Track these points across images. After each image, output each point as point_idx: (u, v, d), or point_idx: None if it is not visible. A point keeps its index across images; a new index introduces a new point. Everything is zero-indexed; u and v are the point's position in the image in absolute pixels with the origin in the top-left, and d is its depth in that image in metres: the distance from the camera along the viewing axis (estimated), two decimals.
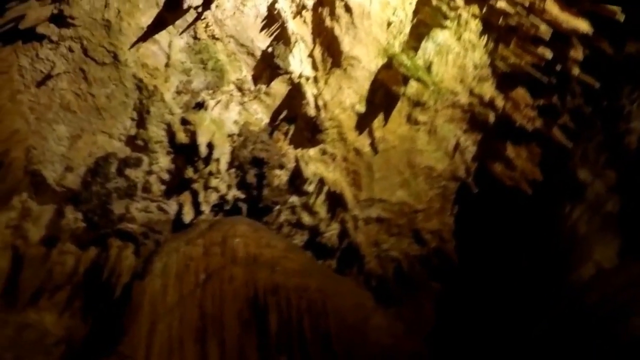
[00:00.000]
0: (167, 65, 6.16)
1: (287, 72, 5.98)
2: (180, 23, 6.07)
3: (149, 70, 6.07)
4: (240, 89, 6.10)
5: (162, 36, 6.13)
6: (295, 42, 5.97)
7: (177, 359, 5.68)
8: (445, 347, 6.57)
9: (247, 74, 6.13)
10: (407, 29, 5.50)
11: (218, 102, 6.09)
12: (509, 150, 6.52)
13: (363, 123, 6.26)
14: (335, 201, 6.58)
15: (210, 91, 6.06)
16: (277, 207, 6.50)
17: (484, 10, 5.22)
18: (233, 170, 6.34)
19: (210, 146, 6.09)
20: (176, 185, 6.39)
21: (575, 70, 5.24)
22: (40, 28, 5.72)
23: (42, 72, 6.13)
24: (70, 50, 5.99)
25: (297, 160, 6.37)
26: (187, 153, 6.33)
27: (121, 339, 5.99)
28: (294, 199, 6.58)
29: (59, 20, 5.77)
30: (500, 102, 6.39)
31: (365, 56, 6.12)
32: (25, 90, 6.19)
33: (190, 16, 6.01)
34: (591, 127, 5.95)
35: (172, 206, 6.48)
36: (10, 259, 6.40)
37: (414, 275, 7.01)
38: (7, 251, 6.42)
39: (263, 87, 6.10)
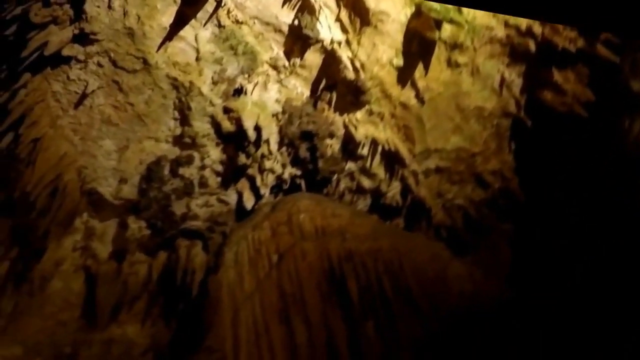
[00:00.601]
0: (197, 59, 6.27)
1: (317, 41, 6.07)
2: (202, 15, 6.14)
3: (181, 67, 6.20)
4: (274, 67, 6.22)
5: (187, 31, 6.22)
6: (320, 9, 6.05)
7: (265, 343, 5.73)
8: (526, 286, 6.61)
9: (278, 51, 6.25)
10: None
11: (255, 84, 6.21)
12: (556, 76, 6.51)
13: (404, 76, 6.32)
14: (392, 159, 6.65)
15: (246, 75, 6.18)
16: (335, 176, 6.58)
17: None
18: (284, 148, 6.45)
19: (257, 129, 6.21)
20: (231, 174, 6.51)
21: None
22: (66, 50, 5.90)
23: (76, 93, 6.23)
24: (100, 65, 6.12)
25: (345, 126, 6.47)
26: (235, 140, 6.43)
27: (206, 334, 6.12)
28: (350, 166, 6.66)
29: (82, 38, 5.89)
30: (538, 28, 6.39)
31: (392, 9, 6.17)
32: (63, 114, 6.35)
33: (210, 6, 6.07)
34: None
35: (231, 196, 6.60)
36: (84, 280, 6.60)
37: (483, 219, 7.06)
38: (79, 273, 6.63)
39: (297, 60, 6.19)
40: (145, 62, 6.16)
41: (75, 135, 6.50)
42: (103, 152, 6.57)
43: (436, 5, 5.78)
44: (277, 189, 6.64)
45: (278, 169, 6.39)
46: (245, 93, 6.10)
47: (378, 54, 5.98)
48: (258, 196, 6.64)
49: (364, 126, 6.27)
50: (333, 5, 6.05)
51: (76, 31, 5.85)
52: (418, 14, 5.90)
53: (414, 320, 5.82)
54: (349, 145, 6.55)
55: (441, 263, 6.07)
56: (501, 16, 6.10)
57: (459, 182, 6.78)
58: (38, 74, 6.12)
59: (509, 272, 6.81)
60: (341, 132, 6.38)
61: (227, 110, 6.21)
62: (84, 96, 6.24)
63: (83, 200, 6.58)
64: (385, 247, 6.04)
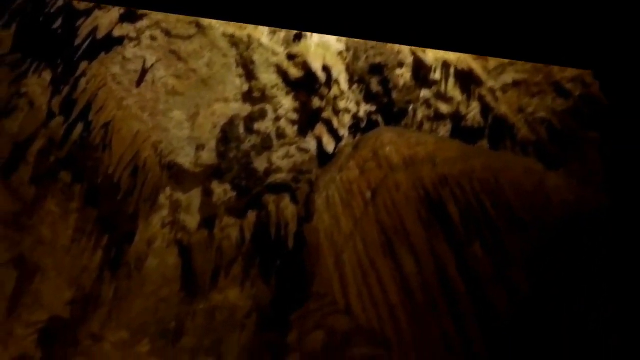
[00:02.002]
0: None
1: None
2: None
3: (236, 22, 6.35)
4: None
5: None
6: None
7: (373, 279, 5.99)
8: (620, 193, 6.81)
9: None
10: None
11: None
12: None
13: None
14: (466, 79, 6.78)
15: None
16: (411, 106, 6.78)
17: None
18: (355, 85, 6.64)
19: (325, 69, 6.40)
20: (307, 121, 6.74)
21: None
22: (116, 31, 6.13)
23: (136, 71, 6.42)
24: (153, 38, 6.29)
25: (413, 53, 6.71)
26: (305, 85, 6.57)
27: (311, 282, 6.46)
28: (424, 93, 6.84)
29: (130, 16, 6.03)
30: None
31: None
32: (127, 94, 6.58)
33: None
34: None
35: (310, 143, 6.86)
36: (178, 254, 6.97)
37: (567, 130, 7.26)
38: (172, 248, 7.00)
39: None
40: (198, 25, 6.27)
41: (143, 113, 6.70)
42: (174, 124, 6.75)
43: None
44: (354, 128, 6.75)
45: (353, 107, 6.61)
46: (306, 36, 6.31)
47: None
48: (337, 138, 6.77)
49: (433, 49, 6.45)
50: None
51: (122, 10, 5.97)
52: None
53: (519, 235, 5.95)
54: (421, 72, 6.70)
55: (537, 176, 6.16)
56: None
57: (538, 93, 6.89)
58: (94, 60, 6.39)
59: (602, 179, 7.00)
60: (410, 59, 6.56)
61: (291, 57, 6.43)
62: (144, 72, 6.43)
63: (164, 175, 6.79)
64: (478, 167, 6.07)
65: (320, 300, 6.20)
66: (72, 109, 6.61)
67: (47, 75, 6.35)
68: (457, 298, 5.59)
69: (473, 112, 7.17)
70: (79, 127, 6.68)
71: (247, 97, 6.69)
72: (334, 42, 6.27)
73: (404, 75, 6.42)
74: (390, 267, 6.06)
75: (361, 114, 6.77)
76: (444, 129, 7.15)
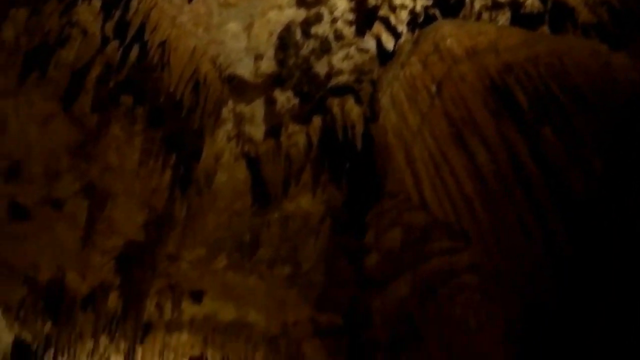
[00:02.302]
0: None
1: None
2: None
3: None
4: None
5: None
6: None
7: (446, 172, 6.00)
8: None
9: None
10: None
11: None
12: None
13: None
14: None
15: None
16: None
17: None
18: None
19: None
20: (364, 20, 6.68)
21: None
22: None
23: None
24: None
25: None
26: None
27: (383, 181, 6.55)
28: None
29: None
30: None
31: None
32: (179, 11, 6.69)
33: None
34: None
35: (369, 42, 6.82)
36: (247, 166, 7.15)
37: (628, 10, 7.18)
38: (240, 161, 7.12)
39: None
40: None
41: (197, 28, 6.80)
42: (230, 36, 6.81)
43: None
44: (412, 24, 6.66)
45: (409, 3, 6.58)
46: None
47: None
48: (396, 35, 6.71)
49: None
50: None
51: None
52: None
53: (588, 117, 5.91)
54: None
55: (602, 57, 6.00)
56: None
57: None
58: None
59: None
60: None
61: None
62: None
63: (225, 88, 6.85)
64: (542, 52, 5.95)
65: (395, 198, 6.34)
66: (126, 32, 6.71)
67: (97, 2, 6.45)
68: (532, 184, 5.51)
69: None
70: (135, 49, 6.77)
71: (301, 1, 6.60)
72: None
73: None
74: (462, 159, 6.03)
75: (418, 8, 6.74)
76: (503, 18, 7.05)
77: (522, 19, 6.75)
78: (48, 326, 7.72)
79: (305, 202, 7.02)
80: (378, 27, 6.77)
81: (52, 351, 7.67)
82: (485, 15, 6.69)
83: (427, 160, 6.16)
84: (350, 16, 6.57)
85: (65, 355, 7.60)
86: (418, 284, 5.97)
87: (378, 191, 6.44)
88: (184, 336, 7.83)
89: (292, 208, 6.96)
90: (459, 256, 5.81)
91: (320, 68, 6.78)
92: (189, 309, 7.67)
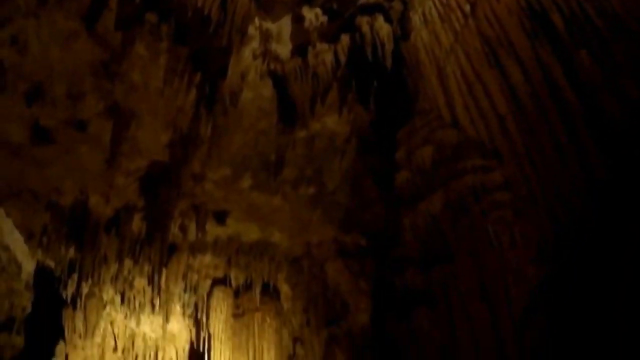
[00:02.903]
0: None
1: None
2: None
3: None
4: None
5: None
6: None
7: (480, 91, 5.92)
8: None
9: None
10: None
11: None
12: None
13: None
14: None
15: None
16: None
17: None
18: None
19: None
20: None
21: None
22: None
23: None
24: None
25: None
26: None
27: (414, 99, 6.52)
28: None
29: None
30: None
31: None
32: None
33: None
34: None
35: None
36: (273, 85, 7.10)
37: None
38: (266, 79, 7.05)
39: None
40: None
41: None
42: None
43: None
44: None
45: None
46: None
47: None
48: None
49: None
50: None
51: None
52: None
53: (625, 43, 5.67)
54: None
55: None
56: None
57: None
58: None
59: None
60: None
61: None
62: None
63: (252, 4, 6.73)
64: None
65: (426, 116, 6.43)
66: None
67: None
68: (567, 106, 5.45)
69: None
70: None
71: None
72: None
73: None
74: (497, 78, 5.97)
75: None
76: None
77: None
78: (72, 251, 7.92)
79: (331, 122, 7.11)
80: None
81: (75, 276, 7.75)
82: None
83: (460, 79, 6.14)
84: None
85: (89, 280, 7.80)
86: (450, 201, 6.09)
87: (408, 110, 6.46)
88: (208, 258, 8.07)
89: (318, 128, 7.05)
90: (492, 174, 5.88)
91: None
92: (213, 230, 7.87)
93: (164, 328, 7.79)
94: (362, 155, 7.09)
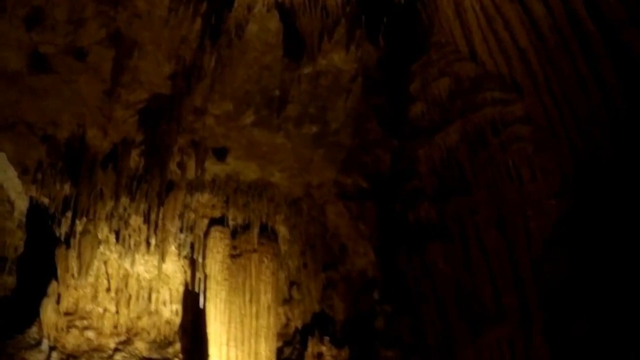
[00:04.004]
0: None
1: None
2: None
3: None
4: None
5: None
6: None
7: (499, 24, 5.56)
8: None
9: None
10: None
11: None
12: None
13: None
14: None
15: None
16: None
17: None
18: None
19: None
20: None
21: None
22: None
23: None
24: None
25: None
26: None
27: (429, 33, 6.29)
28: None
29: None
30: None
31: None
32: None
33: None
34: None
35: None
36: (280, 18, 6.67)
37: None
38: (273, 12, 6.55)
39: None
40: None
41: None
42: None
43: None
44: None
45: None
46: None
47: None
48: None
49: None
50: None
51: None
52: None
53: None
54: None
55: None
56: None
57: None
58: None
59: None
60: None
61: None
62: None
63: None
64: None
65: (442, 49, 6.04)
66: None
67: None
68: (590, 39, 5.21)
69: None
70: None
71: None
72: None
73: None
74: (517, 12, 5.68)
75: None
76: None
77: None
78: (67, 187, 7.46)
79: (338, 59, 6.72)
80: None
81: (70, 213, 7.25)
82: None
83: (479, 12, 5.82)
84: None
85: (84, 218, 7.29)
86: (468, 133, 5.77)
87: (421, 44, 6.12)
88: (205, 197, 7.61)
89: (323, 64, 6.59)
90: (511, 107, 5.58)
91: None
92: (212, 168, 7.43)
93: (159, 268, 7.17)
94: (368, 95, 6.67)
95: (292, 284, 8.03)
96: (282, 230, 7.82)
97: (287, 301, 7.91)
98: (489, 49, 5.82)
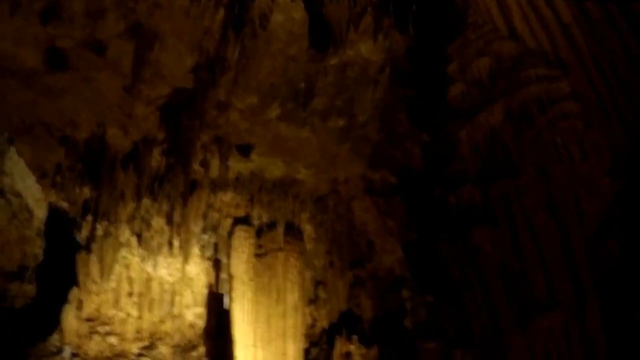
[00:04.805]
0: None
1: None
2: None
3: None
4: None
5: None
6: None
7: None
8: None
9: None
10: None
11: None
12: None
13: None
14: None
15: None
16: None
17: None
18: None
19: None
20: None
21: None
22: None
23: None
24: None
25: None
26: None
27: (464, 14, 5.84)
28: None
29: None
30: None
31: None
32: None
33: None
34: None
35: None
36: (305, 7, 6.19)
37: None
38: (298, 1, 6.30)
39: None
40: None
41: None
42: None
43: None
44: None
45: None
46: None
47: None
48: None
49: None
50: None
51: None
52: None
53: None
54: None
55: None
56: None
57: None
58: None
59: None
60: None
61: None
62: None
63: None
64: None
65: (479, 29, 5.75)
66: None
67: None
68: (635, 11, 5.02)
69: None
70: None
71: None
72: None
73: None
74: None
75: None
76: None
77: None
78: (86, 190, 7.14)
79: (365, 49, 6.36)
80: None
81: (90, 217, 6.92)
82: None
83: None
84: None
85: (105, 221, 6.96)
86: (512, 111, 5.43)
87: (460, 24, 5.91)
88: (229, 195, 7.07)
89: (351, 55, 6.26)
90: (557, 84, 5.22)
91: None
92: (236, 166, 6.92)
93: (182, 271, 6.58)
94: (396, 87, 6.19)
95: (318, 283, 7.58)
96: (308, 229, 7.45)
97: (313, 301, 7.43)
98: (530, 27, 5.50)
